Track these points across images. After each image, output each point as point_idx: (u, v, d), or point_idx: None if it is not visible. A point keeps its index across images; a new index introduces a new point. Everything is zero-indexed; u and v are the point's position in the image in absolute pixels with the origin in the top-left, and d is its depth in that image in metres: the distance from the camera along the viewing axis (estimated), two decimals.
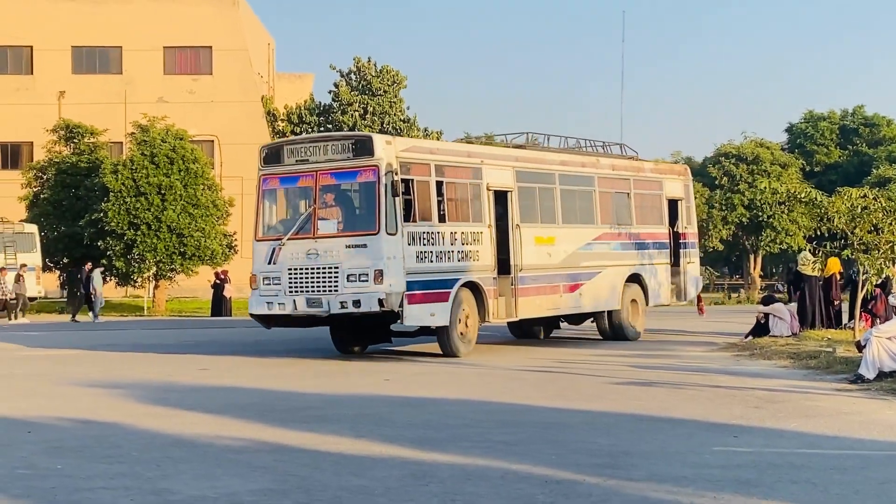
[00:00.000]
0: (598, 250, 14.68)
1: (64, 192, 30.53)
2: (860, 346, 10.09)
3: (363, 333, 13.11)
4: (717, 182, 42.78)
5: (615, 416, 8.24)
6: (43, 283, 30.02)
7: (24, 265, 27.21)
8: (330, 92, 37.46)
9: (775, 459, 5.93)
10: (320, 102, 38.05)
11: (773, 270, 48.97)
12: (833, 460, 5.96)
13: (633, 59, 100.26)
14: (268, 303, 11.87)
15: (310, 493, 4.88)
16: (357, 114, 35.00)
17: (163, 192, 27.89)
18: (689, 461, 5.81)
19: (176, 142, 29.06)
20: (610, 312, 14.75)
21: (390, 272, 11.33)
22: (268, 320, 12.25)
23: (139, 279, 30.45)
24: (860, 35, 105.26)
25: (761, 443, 6.70)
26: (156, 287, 31.37)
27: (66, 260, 31.38)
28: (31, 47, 35.99)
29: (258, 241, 12.55)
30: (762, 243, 42.54)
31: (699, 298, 17.39)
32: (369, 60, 37.75)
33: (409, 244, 11.66)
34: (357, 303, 11.07)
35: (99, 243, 28.18)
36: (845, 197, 14.95)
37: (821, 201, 15.04)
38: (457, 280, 12.19)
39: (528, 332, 15.80)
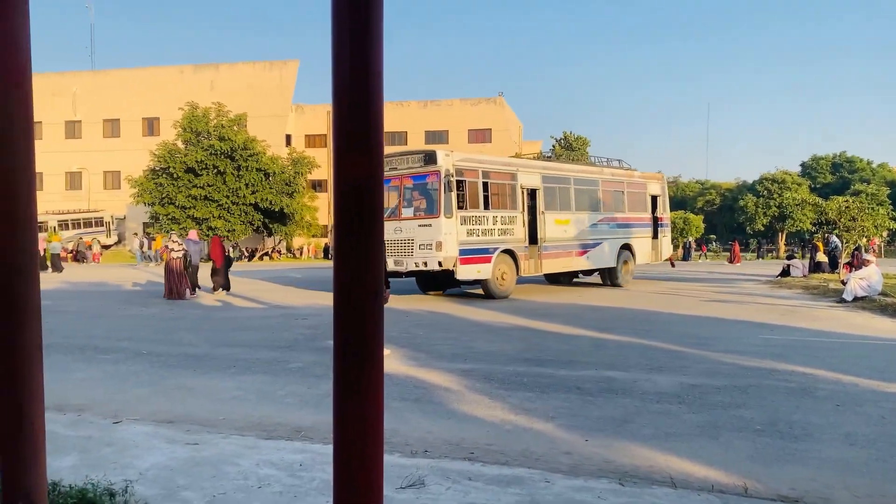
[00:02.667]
0: (601, 228, 19.11)
1: None
2: (844, 283, 15.38)
3: (438, 282, 17.37)
4: (759, 193, 62.86)
5: (702, 318, 12.06)
6: None
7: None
8: (549, 150, 58.62)
9: (795, 343, 9.27)
10: (545, 155, 51.94)
11: (791, 241, 67.10)
12: (827, 343, 9.25)
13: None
14: None
15: (542, 351, 8.68)
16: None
17: None
18: (744, 343, 9.26)
19: None
20: (609, 269, 19.60)
21: (446, 243, 14.90)
22: None
23: None
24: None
25: (787, 334, 10.17)
26: None
27: None
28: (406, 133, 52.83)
29: None
30: (786, 227, 61.73)
31: (671, 257, 25.11)
32: (571, 133, 65.14)
33: (462, 224, 15.16)
34: (425, 263, 15.09)
35: None
36: (835, 202, 29.36)
37: (821, 204, 25.01)
38: (497, 248, 15.88)
39: (556, 281, 20.72)
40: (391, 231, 15.58)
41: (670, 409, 5.73)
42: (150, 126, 51.37)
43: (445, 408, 5.82)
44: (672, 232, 53.23)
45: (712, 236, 63.26)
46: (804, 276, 23.02)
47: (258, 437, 4.72)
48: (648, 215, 21.41)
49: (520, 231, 16.68)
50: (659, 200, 21.91)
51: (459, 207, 15.22)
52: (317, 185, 51.78)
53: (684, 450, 4.62)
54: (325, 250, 47.93)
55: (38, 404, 2.96)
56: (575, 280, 21.27)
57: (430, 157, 15.53)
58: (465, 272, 15.34)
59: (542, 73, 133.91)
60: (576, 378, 6.92)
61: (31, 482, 2.94)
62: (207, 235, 37.69)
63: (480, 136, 53.01)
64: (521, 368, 7.43)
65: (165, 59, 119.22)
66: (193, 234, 19.02)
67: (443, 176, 14.99)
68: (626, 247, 20.13)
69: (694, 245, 51.06)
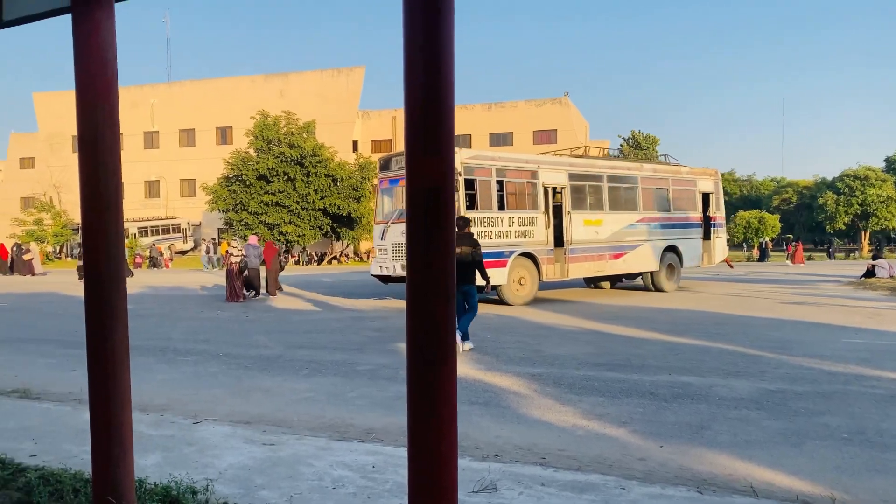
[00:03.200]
0: (640, 229, 17.59)
1: None
2: None
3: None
4: (840, 191, 60.04)
5: (781, 321, 11.60)
6: None
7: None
8: (617, 149, 54.88)
9: (880, 347, 8.78)
10: (613, 155, 54.04)
11: (875, 240, 63.22)
12: None
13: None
14: (380, 266, 15.34)
15: (613, 355, 8.50)
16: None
17: None
18: (828, 347, 8.83)
19: None
20: (652, 273, 18.07)
21: None
22: (382, 279, 15.55)
23: None
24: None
25: (871, 338, 9.63)
26: None
27: None
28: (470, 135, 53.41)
29: (375, 224, 16.33)
30: (869, 225, 59.82)
31: (727, 259, 21.75)
32: (640, 131, 66.87)
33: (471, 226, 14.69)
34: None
35: None
36: None
37: None
38: (514, 252, 14.83)
39: (595, 285, 19.66)
40: (398, 234, 14.99)
41: (749, 415, 5.53)
42: (224, 135, 53.09)
43: (515, 412, 5.78)
44: (747, 232, 52.58)
45: (789, 236, 60.80)
46: (891, 276, 21.72)
47: (331, 439, 4.79)
48: (698, 214, 19.63)
49: (541, 233, 15.63)
50: (712, 198, 20.08)
51: (470, 208, 14.36)
52: None
53: (765, 458, 4.45)
54: None
55: (125, 405, 3.08)
56: (618, 284, 20.36)
57: None
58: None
59: (610, 71, 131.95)
60: (649, 383, 6.76)
61: (119, 478, 3.06)
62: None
63: (545, 136, 52.58)
64: (592, 373, 7.31)
65: (237, 69, 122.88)
66: (253, 239, 19.52)
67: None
68: (671, 249, 18.61)
69: (770, 245, 49.41)
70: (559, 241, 16.15)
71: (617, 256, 17.25)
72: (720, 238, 20.49)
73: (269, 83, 52.20)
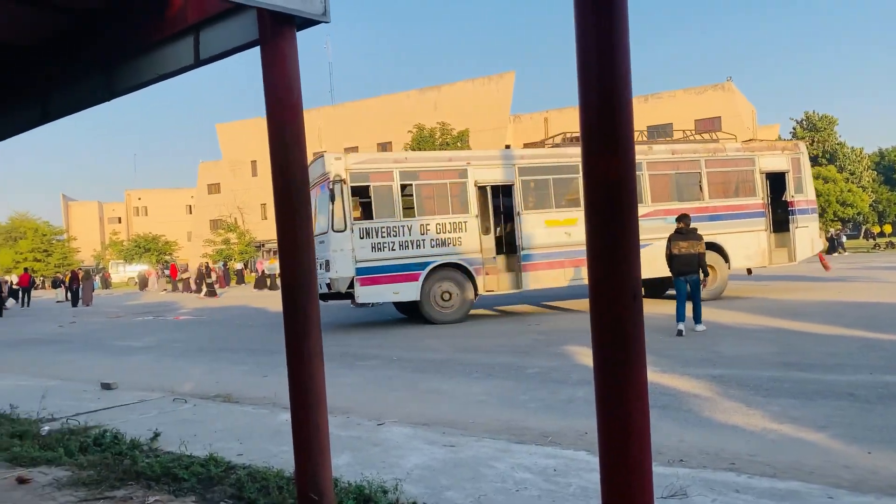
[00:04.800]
0: (649, 225, 13.89)
1: None
2: None
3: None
4: None
5: None
6: None
7: None
8: (790, 132, 55.17)
9: None
10: (784, 139, 52.74)
11: None
12: None
13: None
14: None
15: (802, 354, 7.84)
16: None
17: None
18: None
19: None
20: None
21: (336, 262, 12.62)
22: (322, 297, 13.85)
23: None
24: None
25: None
26: None
27: None
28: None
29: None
30: None
31: (821, 257, 16.46)
32: (814, 112, 59.03)
33: (362, 238, 12.73)
34: (320, 286, 12.12)
35: None
36: None
37: None
38: (430, 263, 13.03)
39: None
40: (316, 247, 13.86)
41: None
42: (384, 150, 55.48)
43: (697, 415, 5.50)
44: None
45: None
46: None
47: (510, 441, 4.81)
48: (757, 201, 15.44)
49: (474, 239, 13.47)
50: (788, 179, 15.71)
51: (365, 218, 13.04)
52: None
53: None
54: None
55: (322, 406, 3.28)
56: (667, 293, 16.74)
57: (321, 162, 13.23)
58: (369, 294, 12.94)
59: (778, 52, 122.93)
60: (847, 383, 6.17)
61: (319, 476, 3.26)
62: None
63: (708, 125, 49.82)
64: (779, 373, 6.80)
65: (394, 86, 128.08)
66: None
67: (330, 183, 12.73)
68: (711, 246, 14.23)
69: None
70: (510, 247, 14.21)
71: None
72: (805, 229, 15.87)
73: (423, 96, 53.89)
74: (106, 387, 7.87)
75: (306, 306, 3.33)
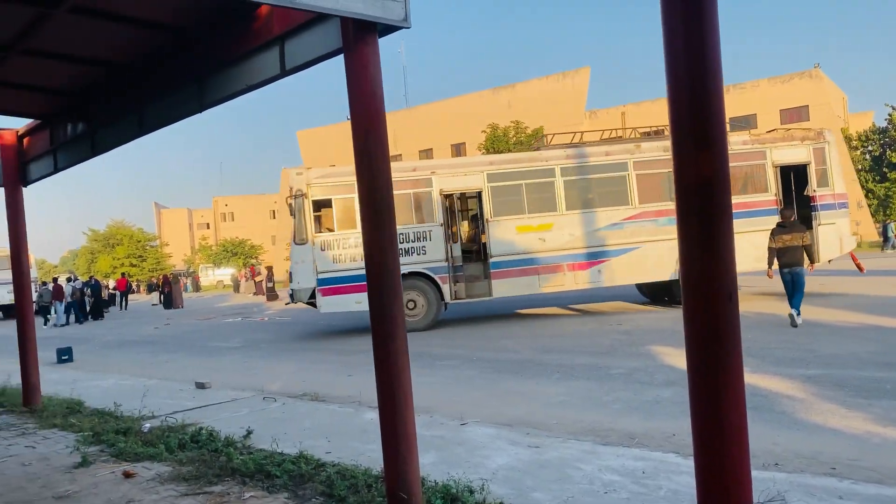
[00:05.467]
0: (634, 228, 13.79)
1: None
2: None
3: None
4: None
5: None
6: None
7: None
8: (885, 119, 50.02)
9: None
10: (879, 127, 49.96)
11: None
12: None
13: None
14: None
15: None
16: None
17: None
18: None
19: None
20: (665, 283, 13.89)
21: (297, 273, 13.18)
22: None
23: None
24: None
25: None
26: None
27: None
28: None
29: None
30: None
31: (853, 256, 14.47)
32: None
33: (324, 250, 13.15)
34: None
35: None
36: None
37: None
38: None
39: (656, 298, 15.08)
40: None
41: None
42: (458, 151, 55.67)
43: (791, 417, 5.27)
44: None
45: None
46: None
47: (595, 443, 4.74)
48: (768, 197, 14.33)
49: (439, 248, 13.58)
50: (811, 172, 14.52)
51: (329, 230, 13.42)
52: None
53: None
54: None
55: (409, 407, 3.32)
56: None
57: (288, 178, 13.71)
58: (331, 304, 13.31)
59: (872, 34, 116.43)
60: None
61: (407, 475, 3.30)
62: None
63: (795, 115, 47.74)
64: (882, 373, 6.44)
65: (466, 87, 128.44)
66: None
67: (291, 197, 13.30)
68: None
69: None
70: (479, 254, 14.14)
71: (587, 266, 13.81)
72: (831, 226, 14.51)
73: (496, 96, 53.80)
74: (200, 386, 8.20)
75: (392, 309, 3.38)
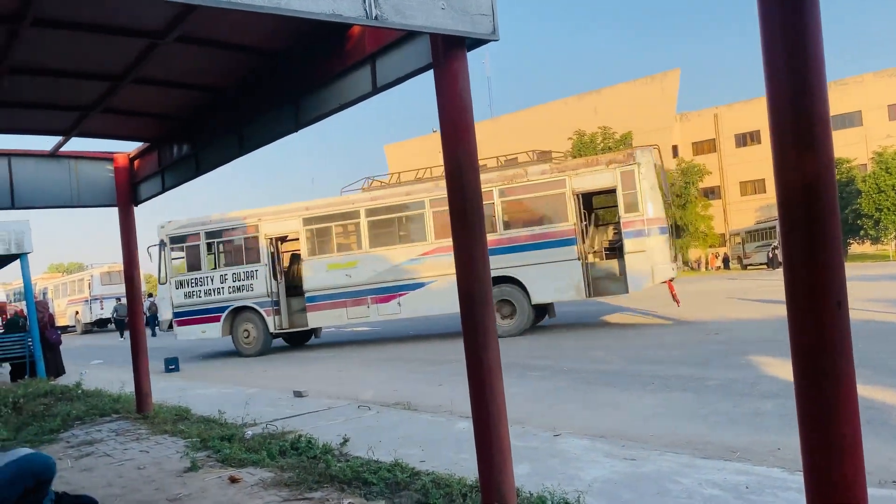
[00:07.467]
0: (432, 262, 14.50)
1: None
2: None
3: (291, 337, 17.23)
4: None
5: None
6: None
7: None
8: None
9: None
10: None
11: None
12: None
13: None
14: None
15: None
16: None
17: None
18: None
19: None
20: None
21: (160, 307, 17.06)
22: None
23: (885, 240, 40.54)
24: None
25: None
26: None
27: None
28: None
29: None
30: None
31: (670, 286, 13.84)
32: None
33: (178, 288, 15.82)
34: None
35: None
36: None
37: None
38: (228, 307, 15.51)
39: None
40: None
41: None
42: (542, 159, 55.30)
43: None
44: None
45: None
46: None
47: (693, 456, 4.60)
48: (567, 227, 13.85)
49: (262, 285, 15.57)
50: (619, 195, 13.70)
51: (187, 271, 15.99)
52: (709, 193, 49.70)
53: None
54: (725, 260, 45.71)
55: (502, 418, 3.33)
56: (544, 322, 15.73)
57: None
58: (185, 333, 15.96)
59: None
60: None
61: (502, 486, 3.31)
62: None
63: None
64: None
65: (553, 95, 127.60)
66: None
67: (156, 246, 16.17)
68: (507, 280, 13.94)
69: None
70: (298, 290, 15.86)
71: (388, 299, 14.92)
72: (640, 254, 13.44)
73: (582, 102, 53.14)
74: (298, 395, 8.48)
75: (485, 319, 3.40)
